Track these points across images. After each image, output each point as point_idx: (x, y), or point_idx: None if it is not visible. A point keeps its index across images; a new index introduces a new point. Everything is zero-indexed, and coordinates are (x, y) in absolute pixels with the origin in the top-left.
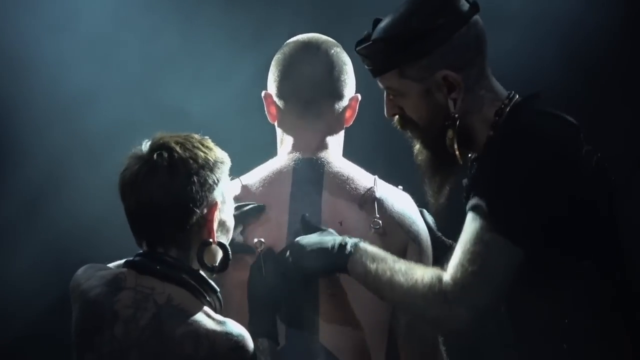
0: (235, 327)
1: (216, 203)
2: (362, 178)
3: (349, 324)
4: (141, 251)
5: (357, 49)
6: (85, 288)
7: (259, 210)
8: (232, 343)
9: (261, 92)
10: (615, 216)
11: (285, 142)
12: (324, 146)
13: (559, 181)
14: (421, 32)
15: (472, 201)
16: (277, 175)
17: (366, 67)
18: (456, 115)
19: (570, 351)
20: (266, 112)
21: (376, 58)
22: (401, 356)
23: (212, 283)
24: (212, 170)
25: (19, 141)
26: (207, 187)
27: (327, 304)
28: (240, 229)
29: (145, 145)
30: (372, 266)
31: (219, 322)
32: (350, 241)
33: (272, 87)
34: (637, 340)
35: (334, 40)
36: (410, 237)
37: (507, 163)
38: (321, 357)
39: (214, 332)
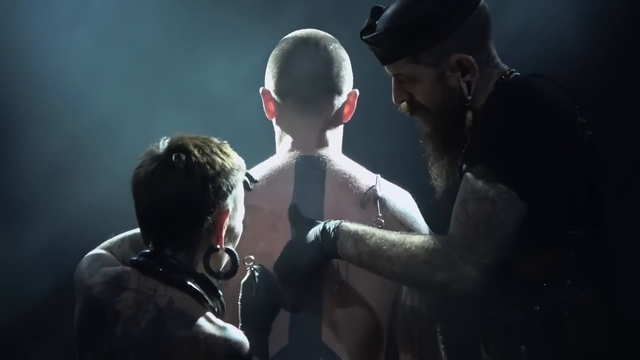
0: (235, 334)
1: (227, 210)
2: (364, 176)
3: (350, 323)
4: (147, 251)
5: (366, 37)
6: (89, 284)
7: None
8: (230, 350)
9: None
10: (603, 196)
11: (284, 140)
12: (323, 143)
13: (556, 135)
14: (437, 17)
15: (472, 161)
16: (279, 174)
17: (376, 55)
18: (469, 97)
19: (542, 314)
20: (264, 109)
21: (389, 46)
22: (400, 356)
23: (216, 287)
24: (227, 177)
25: (21, 131)
26: (221, 195)
27: (329, 303)
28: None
29: (163, 144)
30: (363, 245)
31: (220, 327)
32: (330, 225)
33: (270, 83)
34: (609, 317)
35: (331, 36)
36: None
37: (505, 119)
38: (323, 356)
39: (212, 336)
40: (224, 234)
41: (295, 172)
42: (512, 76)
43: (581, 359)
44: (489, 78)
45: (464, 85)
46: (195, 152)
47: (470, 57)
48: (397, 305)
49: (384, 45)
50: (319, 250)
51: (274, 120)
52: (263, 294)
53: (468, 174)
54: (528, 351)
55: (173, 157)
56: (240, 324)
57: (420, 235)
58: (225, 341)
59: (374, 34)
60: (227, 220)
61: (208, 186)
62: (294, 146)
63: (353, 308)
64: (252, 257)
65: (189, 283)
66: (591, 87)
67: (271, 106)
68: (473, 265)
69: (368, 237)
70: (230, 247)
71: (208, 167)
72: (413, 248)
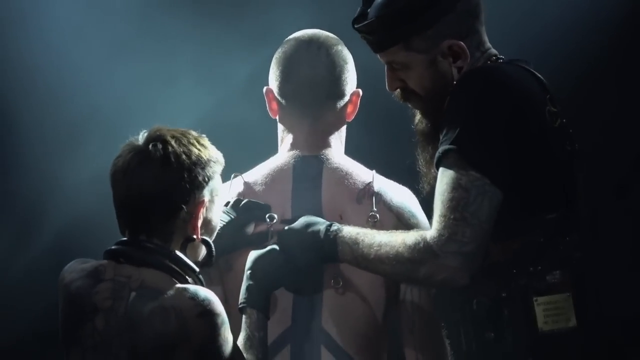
0: (201, 292)
1: (203, 201)
2: (361, 173)
3: (347, 312)
4: (123, 239)
5: (358, 26)
6: (67, 282)
7: (265, 210)
8: (199, 308)
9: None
10: (576, 182)
11: (285, 140)
12: (324, 143)
13: (520, 121)
14: (428, 3)
15: (442, 150)
16: (278, 173)
17: (368, 43)
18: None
19: (509, 300)
20: (267, 108)
21: (381, 33)
22: (404, 350)
23: (191, 263)
24: (203, 168)
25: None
26: (197, 185)
27: (328, 292)
28: (252, 226)
29: (142, 136)
30: (357, 249)
31: (184, 289)
32: (331, 233)
33: (273, 85)
34: (578, 302)
35: (335, 37)
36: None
37: (468, 105)
38: (323, 341)
39: (179, 300)
40: (199, 224)
41: (292, 172)
42: (498, 62)
43: (548, 344)
44: (477, 63)
45: (454, 71)
46: (172, 142)
47: (462, 42)
48: (398, 300)
49: (376, 33)
50: (320, 256)
51: (277, 118)
52: (276, 250)
53: (442, 165)
54: (495, 338)
55: (150, 147)
56: (245, 277)
57: (404, 233)
58: (192, 300)
59: (366, 22)
60: (203, 211)
61: (184, 175)
62: (293, 147)
63: (349, 298)
64: (275, 215)
65: (163, 261)
66: (590, 85)
67: (274, 105)
68: (453, 255)
69: (361, 240)
70: (207, 237)
71: (184, 156)
72: (397, 246)
